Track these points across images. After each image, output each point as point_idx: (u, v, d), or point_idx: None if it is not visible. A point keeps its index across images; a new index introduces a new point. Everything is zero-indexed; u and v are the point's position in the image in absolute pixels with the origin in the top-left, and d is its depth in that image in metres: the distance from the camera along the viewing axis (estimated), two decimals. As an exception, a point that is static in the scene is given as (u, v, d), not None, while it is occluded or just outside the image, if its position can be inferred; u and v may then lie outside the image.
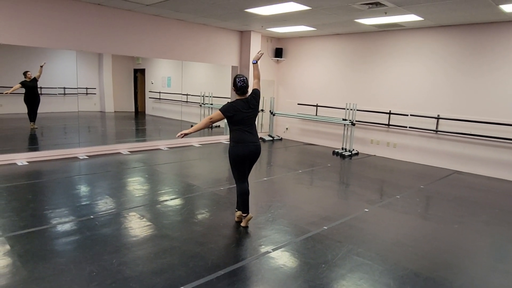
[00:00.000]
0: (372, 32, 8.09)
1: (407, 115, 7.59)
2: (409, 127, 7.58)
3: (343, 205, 4.75)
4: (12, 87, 8.12)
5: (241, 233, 3.67)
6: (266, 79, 10.03)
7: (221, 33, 8.77)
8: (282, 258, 3.17)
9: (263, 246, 3.38)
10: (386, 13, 6.08)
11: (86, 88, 12.04)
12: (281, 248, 3.36)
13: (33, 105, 8.25)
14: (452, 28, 6.94)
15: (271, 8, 6.23)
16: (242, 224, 3.80)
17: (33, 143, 8.06)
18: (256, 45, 9.14)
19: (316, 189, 5.41)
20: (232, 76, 9.47)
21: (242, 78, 3.58)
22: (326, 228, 3.88)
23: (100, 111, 12.61)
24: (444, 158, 7.22)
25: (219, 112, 3.52)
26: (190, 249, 3.25)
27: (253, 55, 9.09)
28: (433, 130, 7.29)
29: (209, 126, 3.62)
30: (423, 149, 7.52)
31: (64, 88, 10.60)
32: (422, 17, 6.30)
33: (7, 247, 3.14)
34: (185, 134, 3.48)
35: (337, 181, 6.09)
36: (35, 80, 8.16)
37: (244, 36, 9.16)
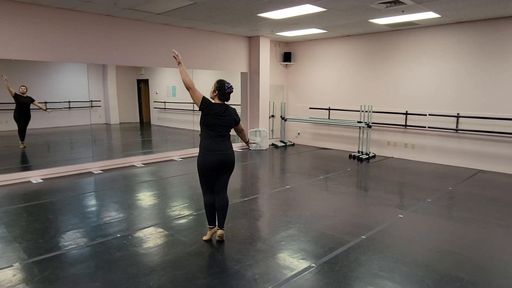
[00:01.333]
0: (385, 32, 7.95)
1: (425, 115, 7.42)
2: (428, 127, 7.41)
3: (375, 212, 4.56)
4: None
5: (275, 246, 3.48)
6: (275, 84, 9.89)
7: (230, 39, 8.64)
8: (328, 274, 2.98)
9: (303, 260, 3.19)
10: (403, 11, 5.94)
11: (91, 101, 11.90)
12: (323, 260, 3.17)
13: (24, 122, 7.76)
14: (470, 24, 6.79)
15: (285, 12, 6.10)
16: (217, 238, 3.50)
17: (45, 160, 7.87)
18: (265, 50, 9.01)
19: (342, 196, 5.23)
20: (242, 83, 9.34)
21: (230, 85, 3.47)
22: (364, 237, 3.69)
23: (106, 123, 12.47)
24: (466, 158, 7.04)
25: (201, 95, 3.35)
26: (230, 267, 3.06)
27: (262, 60, 8.98)
28: (453, 129, 7.12)
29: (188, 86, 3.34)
30: (443, 149, 7.34)
31: (69, 102, 10.47)
32: (440, 14, 6.16)
33: (36, 272, 2.95)
34: (177, 56, 3.48)
35: (360, 186, 5.91)
36: (30, 99, 7.69)
37: (253, 42, 9.03)
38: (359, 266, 3.08)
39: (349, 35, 8.58)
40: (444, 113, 7.20)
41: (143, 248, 3.40)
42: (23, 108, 7.70)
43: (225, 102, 3.49)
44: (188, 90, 3.35)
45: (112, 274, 2.92)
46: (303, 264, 3.12)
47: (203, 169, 3.40)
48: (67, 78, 10.18)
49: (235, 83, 9.70)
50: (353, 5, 5.57)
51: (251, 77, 9.23)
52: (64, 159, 8.05)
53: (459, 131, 7.08)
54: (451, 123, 7.15)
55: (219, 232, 3.53)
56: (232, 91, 3.49)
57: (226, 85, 3.44)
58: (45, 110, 7.83)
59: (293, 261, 3.17)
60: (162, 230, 3.86)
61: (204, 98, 3.37)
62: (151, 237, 3.67)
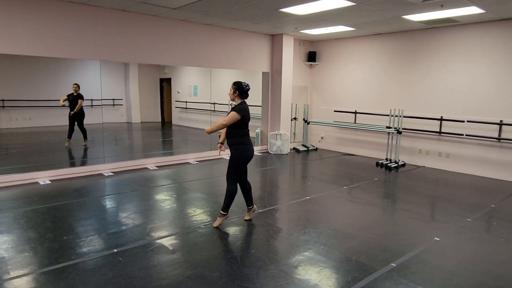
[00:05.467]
0: (419, 30, 7.29)
1: (463, 121, 6.71)
2: (466, 135, 6.70)
3: (407, 232, 4.00)
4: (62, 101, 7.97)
5: (289, 273, 3.01)
6: (299, 85, 9.38)
7: (251, 37, 8.22)
8: (350, 312, 2.49)
9: (321, 293, 2.71)
10: (442, 5, 5.32)
11: (113, 99, 11.80)
12: (345, 295, 2.68)
13: (72, 121, 7.98)
14: (518, 21, 6.06)
15: (310, 7, 5.61)
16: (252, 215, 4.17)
17: (57, 160, 7.71)
18: (288, 49, 8.53)
19: (368, 210, 4.68)
20: (263, 83, 8.91)
21: (247, 83, 3.89)
22: (394, 265, 3.16)
23: (127, 122, 12.34)
24: (510, 170, 6.30)
25: (233, 113, 3.70)
26: (233, 298, 2.62)
27: (285, 59, 8.51)
28: (495, 138, 6.39)
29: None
30: (483, 160, 6.62)
31: (92, 100, 10.36)
32: (484, 9, 5.49)
33: (41, 284, 2.63)
34: (221, 144, 4.01)
35: (389, 199, 5.33)
36: (78, 96, 7.88)
37: (275, 40, 8.57)
38: (389, 305, 2.57)
39: (379, 34, 7.97)
40: (484, 120, 6.48)
41: (136, 269, 3.02)
42: (72, 107, 7.89)
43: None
44: (226, 125, 3.78)
45: (99, 300, 2.55)
46: (321, 298, 2.64)
47: (244, 162, 3.90)
48: (89, 76, 10.08)
49: (256, 83, 9.28)
50: (385, -2, 5.02)
51: (273, 77, 8.77)
52: (78, 159, 7.89)
53: (502, 140, 6.35)
54: (492, 131, 6.42)
55: (254, 207, 4.22)
56: (249, 88, 3.90)
57: (244, 84, 3.88)
58: (73, 111, 7.94)
59: (310, 294, 2.70)
60: (165, 244, 3.48)
61: (236, 110, 3.74)
62: (145, 255, 3.28)
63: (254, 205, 4.23)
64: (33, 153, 8.06)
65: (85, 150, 8.32)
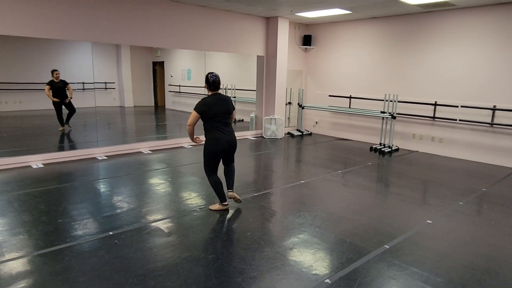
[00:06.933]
0: (416, 14, 7.23)
1: (457, 107, 6.75)
2: (459, 120, 6.75)
3: (400, 215, 4.06)
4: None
5: (284, 254, 3.05)
6: (293, 69, 9.32)
7: (246, 20, 8.09)
8: (344, 292, 2.54)
9: (316, 275, 2.75)
10: (440, -11, 5.26)
11: (105, 83, 11.62)
12: (339, 275, 2.72)
13: (61, 108, 7.86)
14: (514, 6, 6.04)
15: (306, -12, 5.51)
16: (237, 201, 4.00)
17: (49, 143, 7.63)
18: (283, 33, 8.42)
19: (362, 194, 4.73)
20: (258, 67, 8.83)
21: (214, 74, 3.72)
22: (387, 247, 3.21)
23: (120, 106, 12.20)
24: (502, 155, 6.38)
25: (193, 112, 3.63)
26: (230, 279, 2.65)
27: (280, 43, 8.41)
28: (488, 123, 6.44)
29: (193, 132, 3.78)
30: (476, 145, 6.69)
31: (83, 83, 10.19)
32: (482, -7, 5.45)
33: (36, 266, 2.62)
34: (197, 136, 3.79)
35: (383, 183, 5.38)
36: (64, 82, 7.74)
37: (270, 23, 8.45)
38: (382, 286, 2.62)
39: (375, 17, 7.89)
40: (478, 105, 6.52)
41: (132, 251, 3.03)
42: (59, 93, 7.72)
43: (219, 92, 3.78)
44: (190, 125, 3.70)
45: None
46: (316, 280, 2.68)
47: (211, 156, 3.80)
48: (81, 58, 9.90)
49: (251, 67, 9.21)
50: (383, -20, 4.95)
51: (267, 61, 8.69)
52: (71, 143, 7.81)
53: (494, 125, 6.40)
54: (486, 116, 6.47)
55: (232, 194, 3.98)
56: (217, 79, 3.70)
57: (209, 75, 3.70)
58: (69, 98, 7.82)
59: (304, 275, 2.74)
60: (160, 227, 3.49)
61: (195, 109, 3.65)
62: (141, 237, 3.30)
63: (234, 193, 4.00)
64: (24, 136, 7.96)
65: (69, 133, 8.21)
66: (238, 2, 6.75)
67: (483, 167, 6.26)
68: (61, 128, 8.01)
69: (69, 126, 8.22)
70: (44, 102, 8.60)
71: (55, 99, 7.66)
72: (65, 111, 8.05)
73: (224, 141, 3.74)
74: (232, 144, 3.83)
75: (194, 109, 3.63)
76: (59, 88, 7.71)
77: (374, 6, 6.69)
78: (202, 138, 3.89)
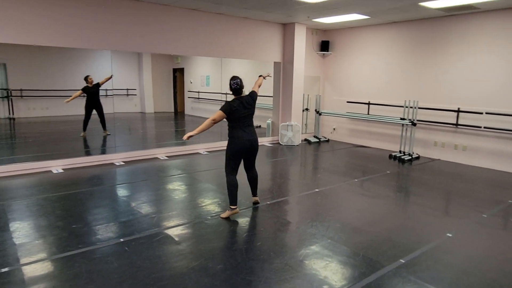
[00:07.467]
0: (437, 18, 7.02)
1: (481, 113, 6.48)
2: (484, 127, 6.47)
3: (417, 227, 3.89)
4: (71, 94, 7.87)
5: (294, 267, 2.97)
6: (311, 75, 9.23)
7: (263, 26, 8.09)
8: (355, 308, 2.44)
9: (326, 287, 2.66)
10: (462, -8, 5.09)
11: (127, 89, 11.88)
12: (350, 291, 2.63)
13: (90, 113, 8.04)
14: (542, 8, 5.76)
15: (322, -6, 5.46)
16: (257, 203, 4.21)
17: (70, 149, 7.83)
18: (300, 39, 8.36)
19: (379, 204, 4.58)
20: (275, 73, 8.79)
21: (236, 81, 3.92)
22: (403, 261, 3.08)
23: (141, 112, 12.44)
24: (530, 164, 6.07)
25: (219, 111, 3.81)
26: (236, 291, 2.60)
27: (297, 49, 8.37)
28: (515, 131, 6.15)
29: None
30: (502, 153, 6.39)
31: (106, 90, 10.44)
32: (507, -4, 5.23)
33: (48, 272, 2.67)
34: (191, 136, 3.72)
35: (401, 193, 5.21)
36: (97, 85, 7.93)
37: (287, 29, 8.42)
38: (396, 302, 2.51)
39: (394, 22, 7.72)
40: (504, 112, 6.23)
41: (141, 259, 3.02)
42: (92, 98, 7.93)
43: (242, 96, 3.97)
44: (214, 120, 3.80)
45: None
46: (326, 294, 2.59)
47: (232, 154, 3.95)
48: (103, 66, 10.17)
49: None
50: (401, -15, 4.83)
51: (284, 67, 8.65)
52: (90, 148, 7.99)
53: (522, 133, 6.11)
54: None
55: (255, 199, 4.35)
56: (238, 87, 3.92)
57: (232, 81, 3.93)
58: (110, 77, 7.95)
59: (314, 288, 2.65)
60: (171, 234, 3.48)
61: (222, 109, 3.82)
62: (151, 245, 3.29)
63: (257, 198, 4.34)
64: (47, 142, 8.21)
65: (104, 139, 8.39)
66: (255, 9, 6.76)
67: (510, 177, 5.97)
68: (83, 134, 8.21)
69: (107, 133, 8.38)
70: (68, 108, 8.85)
71: (76, 96, 7.73)
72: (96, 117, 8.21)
73: (246, 140, 3.91)
74: (253, 143, 3.99)
75: (221, 109, 3.82)
76: (93, 93, 7.90)
77: (393, 11, 6.55)
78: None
